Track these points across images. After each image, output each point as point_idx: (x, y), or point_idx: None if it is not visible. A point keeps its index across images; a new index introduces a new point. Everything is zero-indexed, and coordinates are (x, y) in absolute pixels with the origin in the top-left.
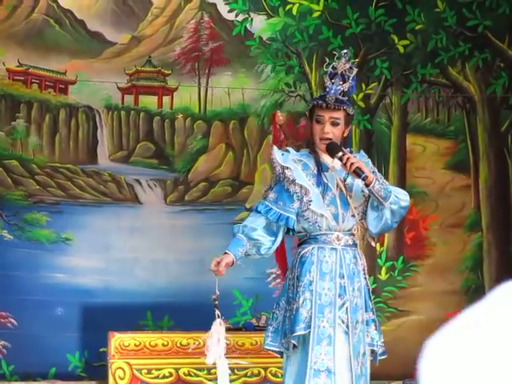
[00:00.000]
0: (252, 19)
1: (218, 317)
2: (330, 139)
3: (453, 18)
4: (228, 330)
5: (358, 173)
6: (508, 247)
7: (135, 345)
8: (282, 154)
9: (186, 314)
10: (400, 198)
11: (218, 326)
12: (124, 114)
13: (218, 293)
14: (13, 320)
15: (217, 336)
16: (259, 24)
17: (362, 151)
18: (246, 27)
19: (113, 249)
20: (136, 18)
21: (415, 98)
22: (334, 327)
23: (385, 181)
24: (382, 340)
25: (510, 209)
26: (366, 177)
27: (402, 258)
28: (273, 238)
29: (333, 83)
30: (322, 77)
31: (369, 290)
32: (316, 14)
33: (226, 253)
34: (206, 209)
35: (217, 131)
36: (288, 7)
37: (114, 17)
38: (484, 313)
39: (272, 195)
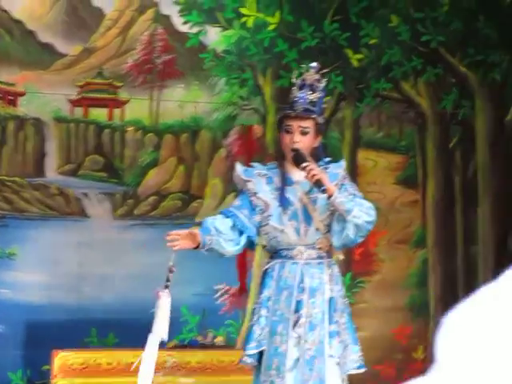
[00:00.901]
0: (206, 31)
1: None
2: (298, 149)
3: (407, 33)
4: (174, 347)
5: (318, 185)
6: (453, 264)
7: (79, 363)
8: (246, 170)
9: (131, 331)
10: (365, 212)
11: (166, 299)
12: (73, 126)
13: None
14: None
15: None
16: (214, 36)
17: (342, 160)
18: (200, 40)
19: (59, 264)
20: (88, 29)
21: (368, 113)
22: (287, 344)
23: (356, 193)
24: (359, 354)
25: (456, 226)
26: (325, 189)
27: (350, 273)
28: (239, 238)
29: (301, 93)
30: (277, 90)
31: (335, 302)
32: (271, 27)
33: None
34: (155, 223)
35: (168, 144)
36: (243, 20)
37: (65, 28)
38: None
39: (237, 202)
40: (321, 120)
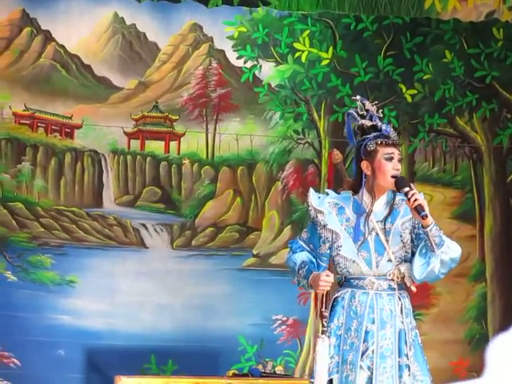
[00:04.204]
0: (261, 66)
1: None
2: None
3: (461, 69)
4: (234, 376)
5: (418, 210)
6: (511, 298)
7: None
8: (319, 197)
9: (189, 358)
10: (452, 249)
11: (323, 343)
12: (130, 158)
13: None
14: (16, 360)
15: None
16: (268, 71)
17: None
18: (254, 74)
19: (118, 292)
20: (143, 63)
21: (422, 148)
22: (356, 373)
23: (440, 229)
24: None
25: None
26: (426, 215)
27: None
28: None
29: (380, 123)
30: (331, 124)
31: (405, 334)
32: (325, 62)
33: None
34: (212, 254)
35: (224, 177)
36: (297, 55)
37: (120, 62)
38: None
39: (305, 235)
40: None
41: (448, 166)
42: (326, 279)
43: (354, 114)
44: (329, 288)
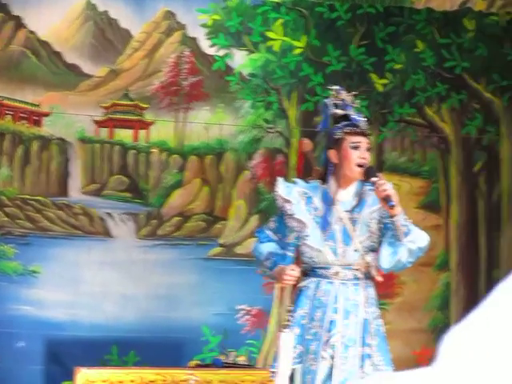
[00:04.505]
0: (233, 54)
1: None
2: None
3: (432, 59)
4: (196, 366)
5: (386, 200)
6: (476, 287)
7: (102, 381)
8: (287, 187)
9: (152, 349)
10: (419, 238)
11: (287, 338)
12: (98, 147)
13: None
14: None
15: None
16: (240, 60)
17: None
18: (226, 62)
19: (82, 282)
20: (115, 51)
21: (391, 137)
22: (318, 362)
23: (407, 219)
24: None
25: (479, 249)
26: (394, 205)
27: None
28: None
29: (351, 113)
30: (302, 114)
31: (369, 323)
32: (297, 51)
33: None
34: (178, 243)
35: (192, 166)
36: (270, 43)
37: (92, 49)
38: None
39: (272, 224)
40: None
41: (416, 156)
42: (291, 273)
43: (329, 103)
44: (293, 282)
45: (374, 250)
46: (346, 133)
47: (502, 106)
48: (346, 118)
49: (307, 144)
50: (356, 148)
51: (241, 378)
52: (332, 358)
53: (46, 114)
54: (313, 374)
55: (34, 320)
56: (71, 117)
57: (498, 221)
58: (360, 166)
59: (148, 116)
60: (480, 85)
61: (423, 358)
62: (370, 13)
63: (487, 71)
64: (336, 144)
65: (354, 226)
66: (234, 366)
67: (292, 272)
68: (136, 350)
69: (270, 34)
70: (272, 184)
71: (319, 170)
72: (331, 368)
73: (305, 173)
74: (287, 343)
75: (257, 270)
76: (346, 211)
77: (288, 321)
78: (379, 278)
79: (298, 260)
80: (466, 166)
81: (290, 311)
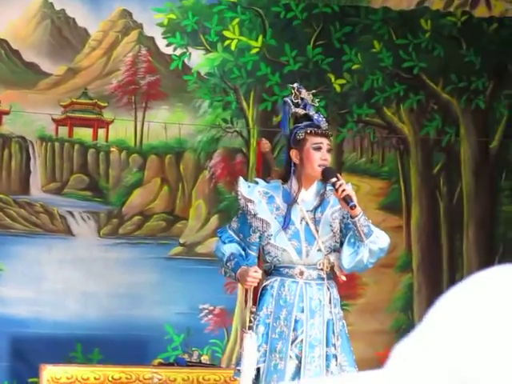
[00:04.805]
0: (190, 54)
1: (250, 328)
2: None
3: (389, 59)
4: (159, 365)
5: (346, 200)
6: (438, 288)
7: (67, 377)
8: (249, 186)
9: (116, 347)
10: (380, 238)
11: (250, 339)
12: (58, 145)
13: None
14: None
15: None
16: (197, 59)
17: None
18: (183, 62)
19: (44, 280)
20: (72, 49)
21: (350, 138)
22: (286, 362)
23: (368, 219)
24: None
25: (441, 250)
26: (355, 206)
27: None
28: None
29: (312, 112)
30: (260, 113)
31: (333, 324)
32: (254, 51)
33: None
34: (139, 242)
35: (152, 165)
36: (226, 43)
37: (49, 48)
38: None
39: (235, 224)
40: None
41: (375, 157)
42: (254, 275)
43: (289, 101)
44: (256, 284)
45: (337, 249)
46: (308, 133)
47: (460, 107)
48: (306, 117)
49: (265, 144)
50: (318, 149)
51: (205, 377)
52: (297, 357)
53: (6, 113)
54: (280, 373)
55: None
56: (31, 115)
57: (459, 221)
58: (321, 166)
59: (107, 115)
60: (438, 86)
61: (386, 359)
62: (326, 12)
63: (445, 72)
64: (298, 144)
65: (317, 225)
66: (198, 365)
67: (255, 274)
68: (100, 348)
69: (226, 34)
70: (231, 184)
71: (278, 170)
72: (298, 367)
73: (264, 173)
74: (250, 344)
75: (219, 270)
76: (308, 211)
77: (251, 322)
78: (343, 278)
79: (259, 260)
80: (426, 167)
81: (252, 312)
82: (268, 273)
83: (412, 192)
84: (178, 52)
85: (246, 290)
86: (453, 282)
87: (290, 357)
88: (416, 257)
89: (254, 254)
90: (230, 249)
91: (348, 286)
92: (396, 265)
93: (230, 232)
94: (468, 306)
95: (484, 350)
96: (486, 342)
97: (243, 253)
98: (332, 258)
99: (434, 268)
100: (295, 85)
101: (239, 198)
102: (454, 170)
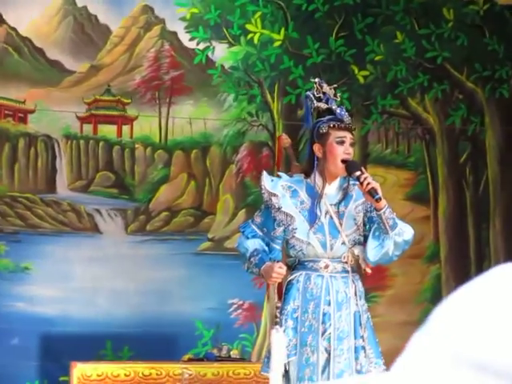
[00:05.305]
0: (213, 48)
1: (277, 324)
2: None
3: (412, 50)
4: (189, 360)
5: (372, 193)
6: (466, 278)
7: (97, 375)
8: (272, 181)
9: (145, 344)
10: (405, 231)
11: (278, 335)
12: (83, 143)
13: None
14: None
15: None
16: (221, 53)
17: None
18: (207, 56)
19: (73, 278)
20: (95, 46)
21: (375, 129)
22: (318, 355)
23: (392, 212)
24: (382, 368)
25: (468, 240)
26: (380, 198)
27: None
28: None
29: (335, 107)
30: (285, 106)
31: (360, 316)
32: (277, 44)
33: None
34: (167, 239)
35: (178, 160)
36: (249, 36)
37: (72, 45)
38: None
39: (258, 219)
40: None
41: (401, 148)
42: (279, 271)
43: (311, 96)
44: (281, 280)
45: (361, 243)
46: (331, 127)
47: (484, 96)
48: (329, 111)
49: (286, 139)
50: (341, 143)
51: (234, 372)
52: (326, 350)
53: (31, 111)
54: (313, 367)
55: (27, 316)
56: (55, 113)
57: (485, 211)
58: (344, 161)
59: (131, 111)
60: (462, 75)
61: None
62: (348, 4)
63: (468, 61)
64: (321, 138)
65: (341, 219)
66: (228, 359)
67: (280, 270)
68: (130, 345)
69: (249, 27)
70: (258, 178)
71: (298, 165)
72: (327, 360)
73: (285, 168)
74: (278, 340)
75: (242, 265)
76: (332, 205)
77: (277, 317)
78: (368, 271)
79: (282, 256)
80: (452, 157)
81: (278, 307)
82: (292, 267)
83: (439, 182)
84: (202, 46)
85: (269, 286)
86: (480, 271)
87: (321, 351)
88: (444, 247)
89: (278, 247)
90: (253, 244)
91: (376, 278)
92: (424, 255)
93: (253, 227)
94: (481, 299)
95: (490, 333)
96: (494, 327)
97: (266, 248)
98: (357, 251)
99: (462, 258)
100: (316, 79)
101: (263, 192)
102: (479, 160)
